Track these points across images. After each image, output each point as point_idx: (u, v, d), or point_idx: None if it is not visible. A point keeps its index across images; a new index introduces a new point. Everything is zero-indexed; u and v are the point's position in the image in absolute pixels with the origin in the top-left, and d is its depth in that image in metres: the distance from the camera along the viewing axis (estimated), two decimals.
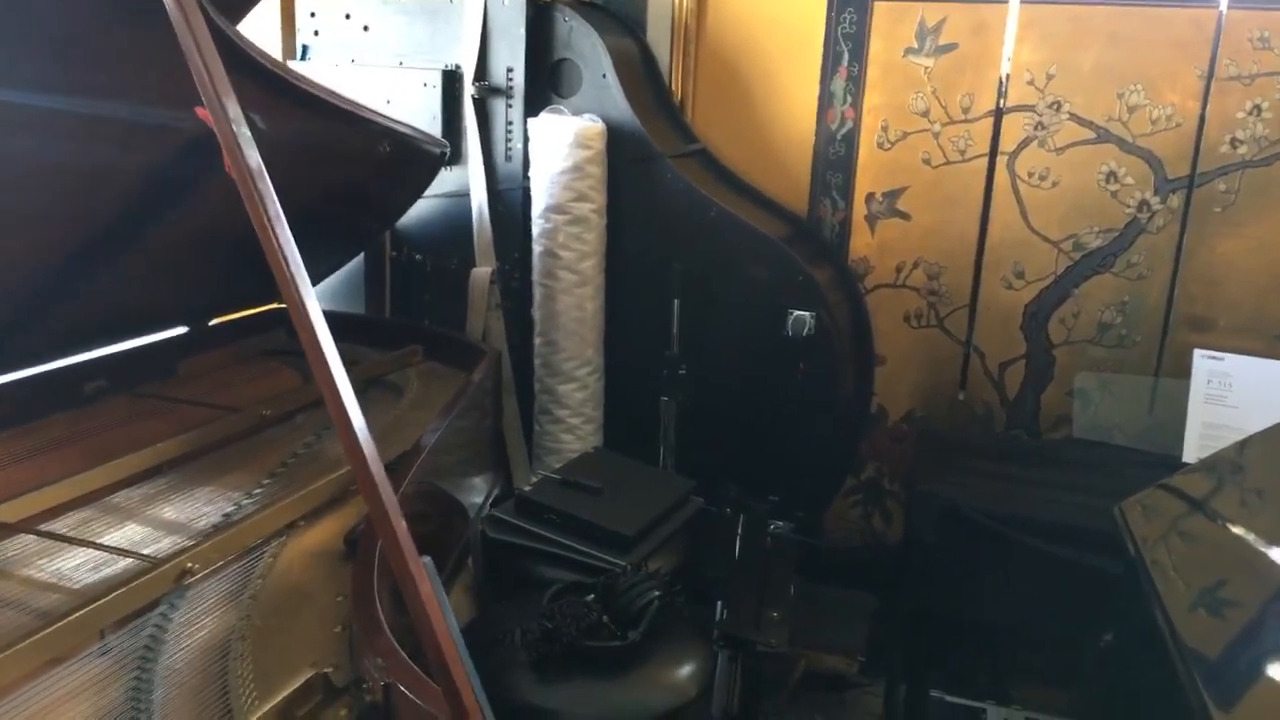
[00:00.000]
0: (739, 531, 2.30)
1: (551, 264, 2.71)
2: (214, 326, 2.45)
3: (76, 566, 1.51)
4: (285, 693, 1.28)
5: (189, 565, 1.48)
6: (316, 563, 1.61)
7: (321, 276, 2.76)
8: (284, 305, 2.58)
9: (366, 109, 2.11)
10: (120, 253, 1.91)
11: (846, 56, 2.83)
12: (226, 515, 1.72)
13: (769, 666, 2.15)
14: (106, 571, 1.50)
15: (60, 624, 1.29)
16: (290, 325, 2.58)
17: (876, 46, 2.79)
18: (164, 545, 1.60)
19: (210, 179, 1.79)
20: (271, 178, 1.25)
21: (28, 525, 1.61)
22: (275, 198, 1.20)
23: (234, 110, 1.18)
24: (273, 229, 1.18)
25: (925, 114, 2.79)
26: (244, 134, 1.18)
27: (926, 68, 2.76)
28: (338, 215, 2.41)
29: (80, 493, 1.73)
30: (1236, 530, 1.84)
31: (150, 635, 1.37)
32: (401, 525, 1.13)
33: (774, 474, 2.67)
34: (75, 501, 1.71)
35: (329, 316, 1.33)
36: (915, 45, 2.76)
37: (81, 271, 1.88)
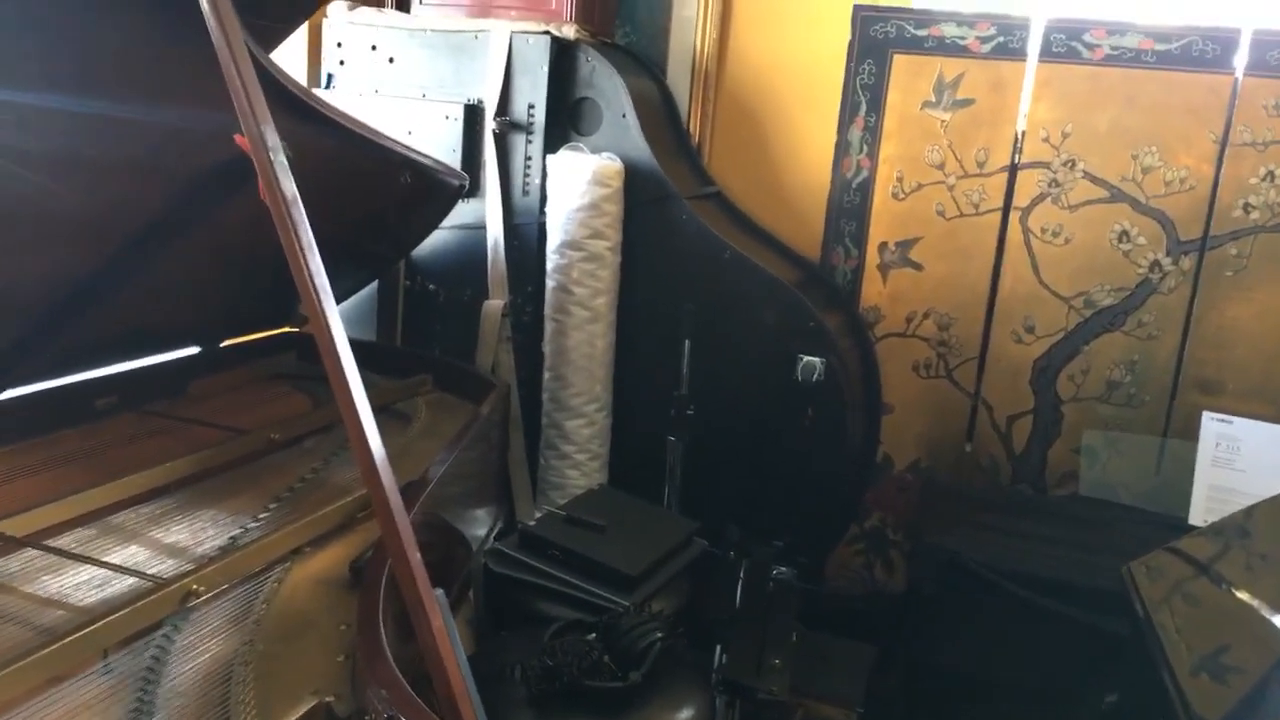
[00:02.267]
0: (741, 576, 2.29)
1: (564, 299, 2.72)
2: (226, 348, 2.46)
3: (81, 584, 1.50)
4: None
5: (194, 587, 1.48)
6: (321, 590, 1.60)
7: (336, 301, 2.77)
8: (295, 329, 2.61)
9: (389, 139, 2.14)
10: (139, 271, 1.92)
11: (864, 107, 2.86)
12: (233, 538, 1.71)
13: (768, 714, 2.12)
14: (111, 590, 1.49)
15: (63, 642, 1.28)
16: (301, 349, 2.62)
17: (894, 98, 2.83)
18: (169, 566, 1.59)
19: (234, 202, 1.82)
20: None
21: (34, 540, 1.60)
22: (308, 226, 1.21)
23: (272, 139, 1.19)
24: (304, 256, 1.19)
25: (940, 166, 2.82)
26: (280, 162, 1.20)
27: (943, 121, 2.80)
28: (356, 242, 2.42)
29: (87, 509, 1.72)
30: (1242, 596, 1.83)
31: (153, 656, 1.36)
32: (416, 555, 1.12)
33: (778, 519, 2.66)
34: (82, 518, 1.71)
35: None
36: (933, 99, 2.79)
37: (100, 288, 1.89)
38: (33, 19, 1.33)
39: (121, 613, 1.36)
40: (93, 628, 1.31)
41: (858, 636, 2.65)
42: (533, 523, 2.30)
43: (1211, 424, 2.48)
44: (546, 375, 2.81)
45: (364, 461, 1.24)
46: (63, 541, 1.63)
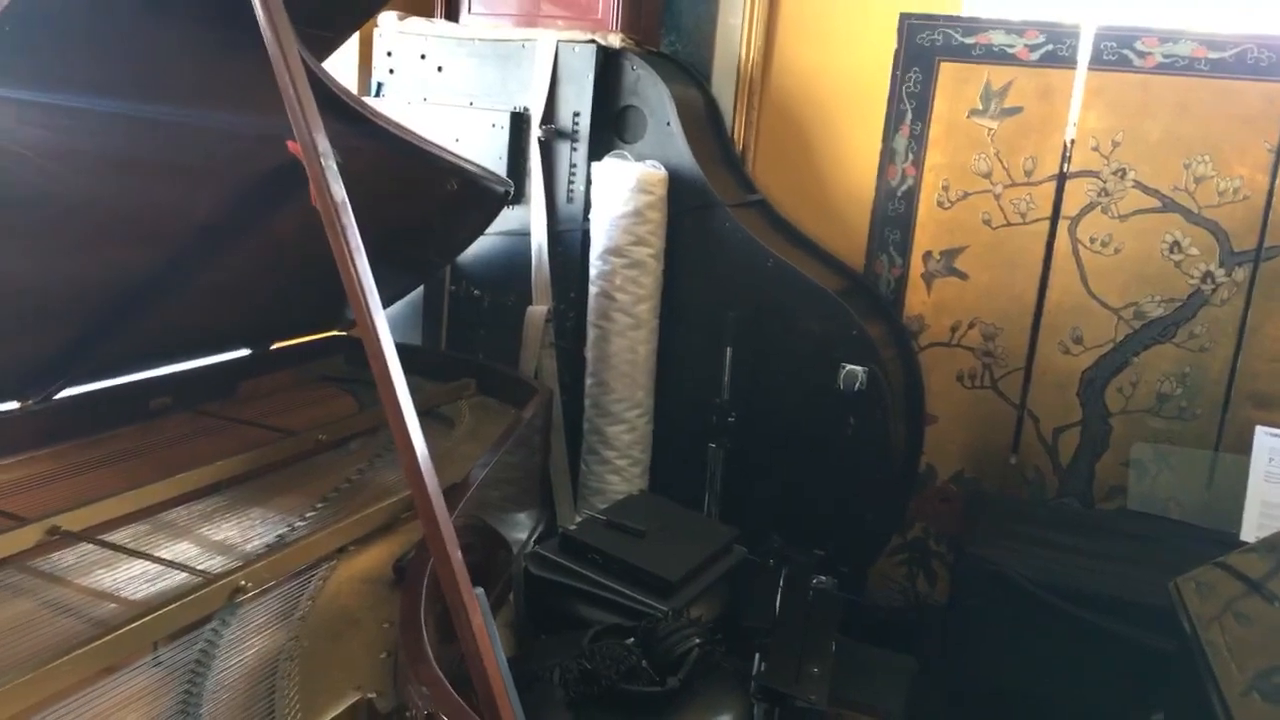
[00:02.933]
0: (781, 584, 2.28)
1: (607, 306, 2.74)
2: (275, 350, 2.51)
3: (133, 578, 1.55)
4: (329, 716, 1.29)
5: (242, 583, 1.51)
6: (365, 588, 1.63)
7: (383, 305, 2.81)
8: (343, 333, 2.65)
9: (437, 146, 2.17)
10: (193, 274, 1.97)
11: (910, 115, 2.85)
12: (280, 536, 1.75)
13: None
14: (162, 585, 1.53)
15: (115, 634, 1.32)
16: (348, 353, 2.66)
17: (941, 106, 2.81)
18: (218, 562, 1.63)
19: (285, 207, 1.86)
20: None
21: (89, 535, 1.65)
22: (357, 231, 1.24)
23: (323, 144, 1.22)
24: (353, 261, 1.21)
25: (987, 175, 2.79)
26: (331, 168, 1.22)
27: (990, 129, 2.77)
28: (402, 247, 2.46)
29: (140, 506, 1.77)
30: None
31: (201, 650, 1.39)
32: (458, 555, 1.14)
33: (819, 528, 2.65)
34: (135, 514, 1.76)
35: None
36: (980, 107, 2.77)
37: (155, 290, 1.94)
38: (91, 27, 1.37)
39: (172, 607, 1.39)
40: (144, 621, 1.35)
41: (898, 648, 2.63)
42: (573, 527, 2.32)
43: (1265, 438, 2.42)
44: (589, 381, 2.82)
45: (408, 463, 1.26)
46: (117, 537, 1.68)
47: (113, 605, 1.47)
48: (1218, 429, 2.67)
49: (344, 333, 2.67)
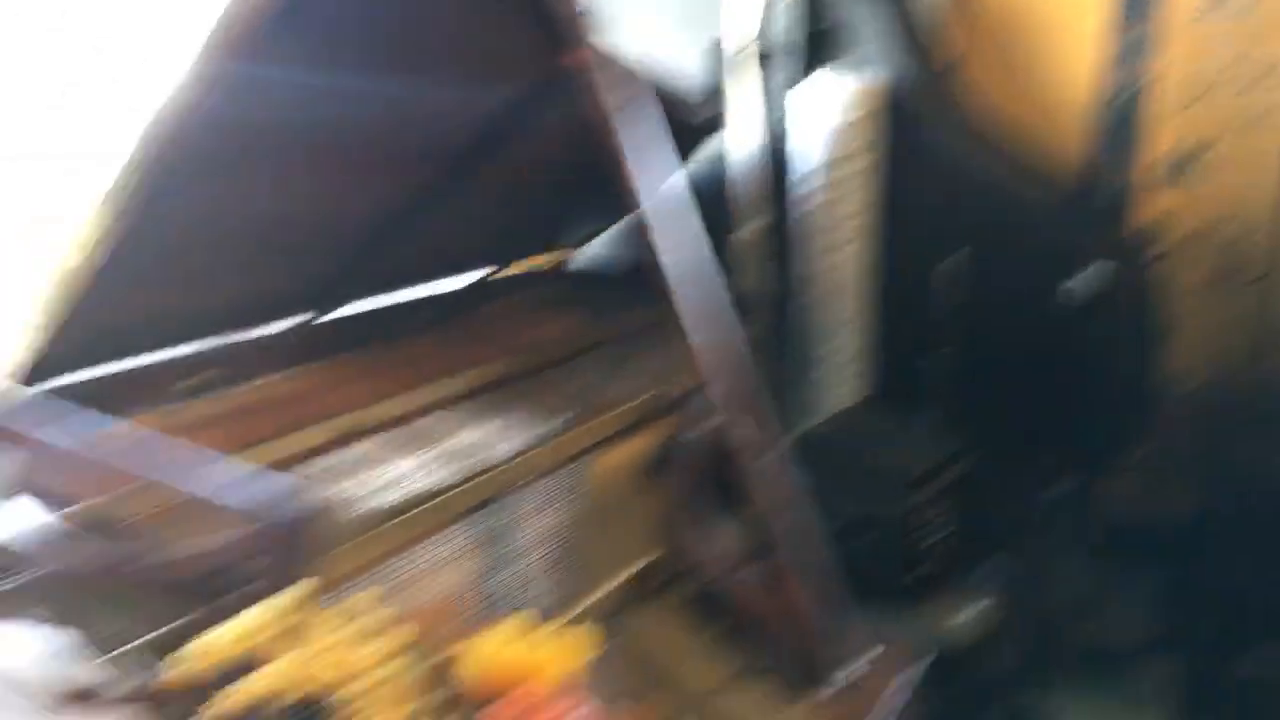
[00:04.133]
0: (1020, 494, 2.25)
1: (818, 223, 2.74)
2: (511, 275, 2.64)
3: (412, 470, 1.66)
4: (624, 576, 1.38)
5: (513, 473, 1.61)
6: (626, 477, 1.71)
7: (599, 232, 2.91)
8: (566, 258, 2.76)
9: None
10: (443, 200, 2.10)
11: (1138, 13, 2.69)
12: (541, 433, 1.85)
13: (1048, 629, 2.09)
14: (442, 473, 1.64)
15: (418, 509, 1.44)
16: (573, 277, 2.77)
17: (1172, 2, 2.64)
18: (499, 449, 1.73)
19: (527, 133, 1.94)
20: None
21: (370, 431, 1.78)
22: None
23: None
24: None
25: (1223, 73, 2.61)
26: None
27: (1228, 25, 2.58)
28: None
29: (407, 409, 1.90)
30: None
31: (490, 526, 1.51)
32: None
33: (1052, 438, 2.57)
34: (402, 417, 1.89)
35: None
36: (1214, 3, 2.59)
37: (409, 217, 2.08)
38: None
39: (463, 487, 1.51)
40: (447, 494, 1.47)
41: (1142, 559, 2.52)
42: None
43: None
44: (800, 299, 2.83)
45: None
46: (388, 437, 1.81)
47: (401, 489, 1.59)
48: None
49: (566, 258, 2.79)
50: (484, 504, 1.54)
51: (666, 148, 1.57)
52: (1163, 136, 2.71)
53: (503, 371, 2.10)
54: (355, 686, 1.00)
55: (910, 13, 2.88)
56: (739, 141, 2.84)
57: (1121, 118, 2.74)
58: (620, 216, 2.91)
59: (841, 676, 1.37)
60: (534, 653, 1.09)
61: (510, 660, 1.07)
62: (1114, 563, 2.47)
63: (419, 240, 2.18)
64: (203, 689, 0.98)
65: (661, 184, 1.53)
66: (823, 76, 2.70)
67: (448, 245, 2.33)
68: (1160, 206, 2.75)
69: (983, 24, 2.91)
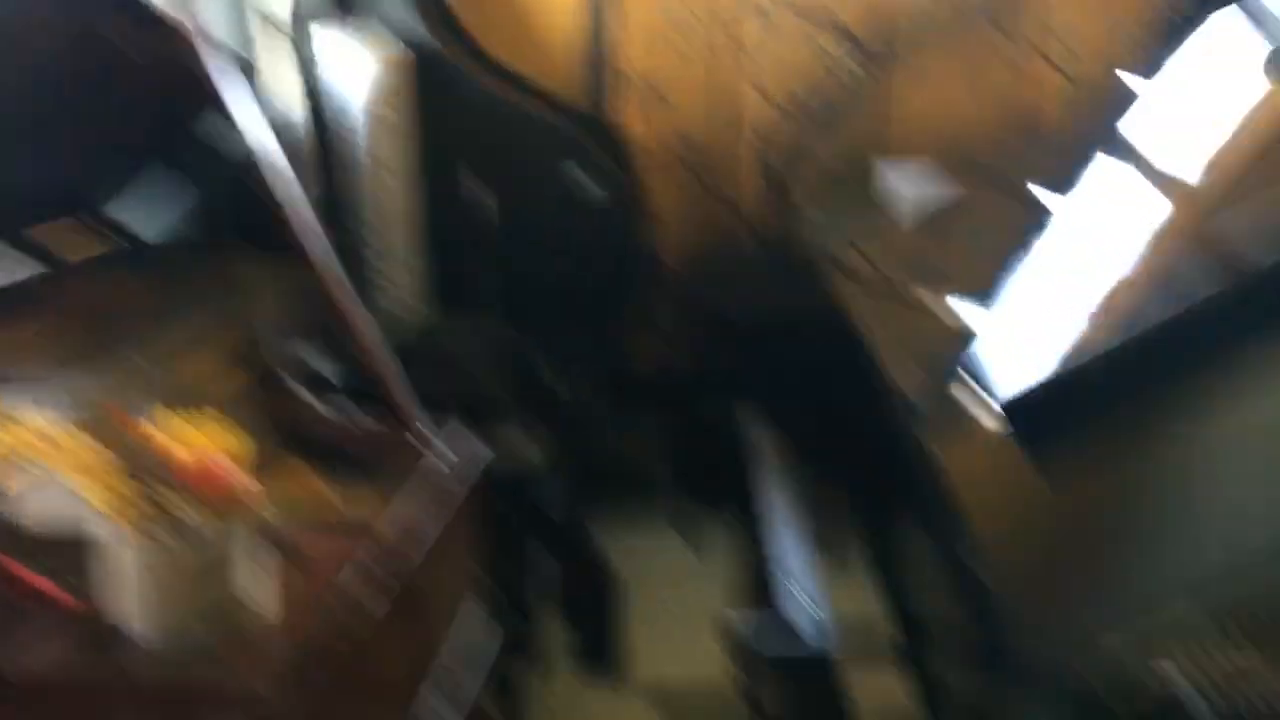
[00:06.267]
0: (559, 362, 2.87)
1: (364, 173, 2.95)
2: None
3: None
4: None
5: None
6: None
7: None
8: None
9: None
10: None
11: None
12: None
13: (585, 461, 2.75)
14: None
15: None
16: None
17: None
18: None
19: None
20: None
21: None
22: None
23: None
24: None
25: (670, 18, 3.22)
26: None
27: None
28: None
29: None
30: None
31: None
32: None
33: (577, 310, 3.16)
34: None
35: None
36: None
37: None
38: None
39: None
40: None
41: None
42: None
43: None
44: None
45: None
46: None
47: None
48: None
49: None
50: None
51: (254, 106, 1.74)
52: (631, 74, 3.31)
53: None
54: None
55: None
56: (276, 101, 2.94)
57: (599, 58, 3.28)
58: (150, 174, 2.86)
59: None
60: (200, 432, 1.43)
61: (187, 436, 1.41)
62: (629, 407, 3.13)
63: None
64: None
65: (258, 139, 1.70)
66: (352, 33, 2.90)
67: None
68: (639, 129, 3.37)
69: None
